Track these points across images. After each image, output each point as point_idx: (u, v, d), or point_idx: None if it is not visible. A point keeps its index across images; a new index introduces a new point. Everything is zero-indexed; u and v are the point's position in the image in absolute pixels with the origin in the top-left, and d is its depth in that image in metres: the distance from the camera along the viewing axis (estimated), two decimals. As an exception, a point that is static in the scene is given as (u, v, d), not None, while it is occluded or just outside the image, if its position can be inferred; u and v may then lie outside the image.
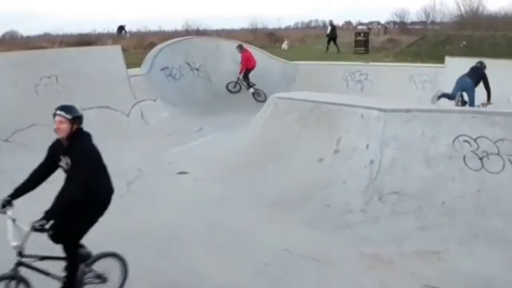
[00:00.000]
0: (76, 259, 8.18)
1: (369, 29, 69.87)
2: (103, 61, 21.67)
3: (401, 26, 73.78)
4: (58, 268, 8.13)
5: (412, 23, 78.39)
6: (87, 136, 8.42)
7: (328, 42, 47.70)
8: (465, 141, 11.86)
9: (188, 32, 58.66)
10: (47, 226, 7.48)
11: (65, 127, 8.00)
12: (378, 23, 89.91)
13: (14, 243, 7.48)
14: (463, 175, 11.60)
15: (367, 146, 12.64)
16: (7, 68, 19.44)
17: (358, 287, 9.05)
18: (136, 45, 50.74)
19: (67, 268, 8.06)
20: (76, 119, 8.19)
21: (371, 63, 29.57)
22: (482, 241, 10.34)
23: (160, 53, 25.45)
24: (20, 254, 7.66)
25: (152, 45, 37.87)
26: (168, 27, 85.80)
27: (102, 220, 11.90)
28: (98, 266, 8.56)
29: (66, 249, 8.12)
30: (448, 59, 25.30)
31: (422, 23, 75.79)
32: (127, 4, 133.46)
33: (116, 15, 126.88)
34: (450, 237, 10.46)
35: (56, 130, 8.03)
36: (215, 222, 11.85)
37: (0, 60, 20.28)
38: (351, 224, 11.23)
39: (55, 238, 7.96)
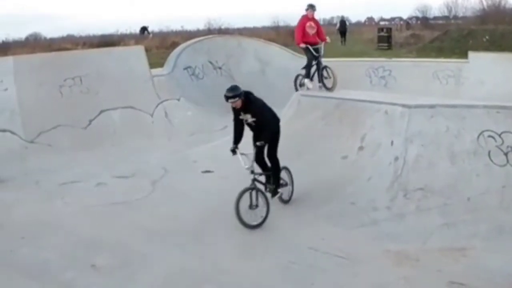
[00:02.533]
0: (279, 166, 12.44)
1: (392, 25, 69.51)
2: (126, 61, 21.79)
3: (424, 21, 73.11)
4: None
5: (435, 18, 77.65)
6: (251, 95, 12.14)
7: (341, 36, 48.43)
8: (490, 136, 11.76)
9: (210, 31, 58.71)
10: (263, 143, 11.77)
11: (239, 103, 11.80)
12: (401, 18, 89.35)
13: (247, 166, 11.75)
14: (488, 171, 11.51)
15: (392, 143, 12.60)
16: (31, 70, 19.65)
17: (383, 284, 9.03)
18: (158, 45, 50.92)
19: (274, 173, 12.35)
20: (241, 95, 11.77)
21: (394, 59, 29.38)
22: (507, 237, 10.29)
23: (183, 53, 25.51)
24: (252, 172, 11.82)
25: (174, 44, 37.96)
26: (190, 26, 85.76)
27: (127, 219, 12.09)
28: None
29: (273, 161, 12.32)
30: (471, 54, 25.10)
31: (445, 18, 75.13)
32: (149, 5, 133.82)
33: (138, 16, 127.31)
34: (475, 234, 10.43)
35: (234, 106, 11.96)
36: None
37: (25, 62, 20.46)
38: (376, 221, 11.22)
39: (266, 154, 12.25)
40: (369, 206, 11.71)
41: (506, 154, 11.54)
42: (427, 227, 10.77)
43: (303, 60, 18.88)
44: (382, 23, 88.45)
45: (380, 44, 47.11)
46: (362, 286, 8.99)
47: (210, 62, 25.93)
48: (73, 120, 19.16)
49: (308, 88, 17.02)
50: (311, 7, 17.02)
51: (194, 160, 16.55)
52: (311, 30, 16.85)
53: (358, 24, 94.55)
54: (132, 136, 19.31)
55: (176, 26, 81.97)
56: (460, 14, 72.09)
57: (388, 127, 12.94)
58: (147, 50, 25.36)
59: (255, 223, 11.44)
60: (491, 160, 11.57)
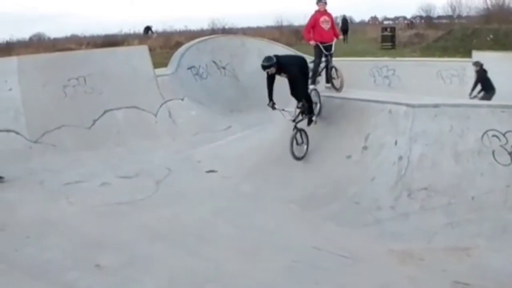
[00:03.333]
0: (311, 98, 14.74)
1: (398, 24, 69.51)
2: (130, 61, 21.81)
3: (427, 21, 73.00)
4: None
5: (439, 17, 77.49)
6: (281, 58, 13.97)
7: (343, 34, 48.57)
8: (494, 135, 11.75)
9: (214, 31, 58.73)
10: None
11: (274, 70, 13.64)
12: (404, 18, 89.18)
13: (290, 118, 14.33)
14: (492, 170, 11.49)
15: (396, 142, 12.59)
16: (35, 70, 19.69)
17: (388, 284, 9.02)
18: (162, 44, 50.88)
19: (309, 106, 14.60)
20: (275, 64, 13.58)
21: (398, 58, 29.39)
22: (511, 236, 10.28)
23: (187, 52, 25.51)
24: (294, 121, 14.31)
25: (178, 44, 37.94)
26: (194, 26, 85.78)
27: (131, 219, 12.11)
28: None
29: (306, 96, 14.46)
30: (475, 53, 25.01)
31: (448, 17, 74.91)
32: (153, 4, 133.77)
33: (142, 16, 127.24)
34: (480, 233, 10.42)
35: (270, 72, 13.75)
36: (243, 220, 11.92)
37: (29, 62, 20.49)
38: (380, 220, 11.22)
39: (300, 92, 14.31)
40: (373, 206, 11.71)
41: (510, 153, 11.52)
42: (431, 227, 10.77)
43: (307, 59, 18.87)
44: (386, 22, 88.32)
45: (384, 44, 47.07)
46: (366, 285, 8.99)
47: (214, 62, 25.93)
48: (77, 120, 19.19)
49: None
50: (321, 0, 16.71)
51: (198, 160, 16.56)
52: (325, 25, 16.16)
53: (362, 23, 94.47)
54: (136, 136, 19.34)
55: (179, 26, 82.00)
56: (464, 14, 71.94)
57: (392, 126, 12.92)
58: (151, 49, 25.37)
59: (301, 155, 14.30)
60: (495, 160, 11.56)
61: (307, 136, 14.49)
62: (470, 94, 21.33)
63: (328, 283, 9.10)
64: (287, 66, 13.88)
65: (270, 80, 13.93)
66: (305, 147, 14.45)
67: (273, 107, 14.13)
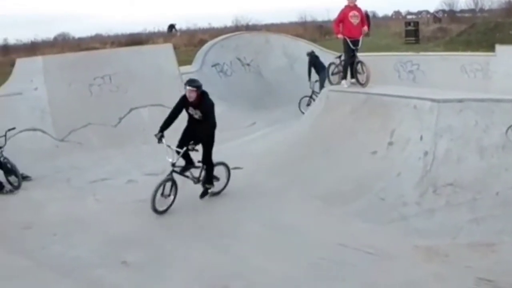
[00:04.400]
0: (212, 163, 13.30)
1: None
2: (155, 59, 21.93)
3: (450, 15, 72.60)
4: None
5: (461, 11, 77.09)
6: (207, 94, 12.86)
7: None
8: (519, 130, 11.71)
9: (237, 28, 58.86)
10: (196, 148, 12.77)
11: (194, 95, 12.54)
12: (427, 12, 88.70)
13: (171, 160, 12.68)
14: (517, 165, 11.44)
15: (421, 138, 12.53)
16: (61, 69, 19.87)
17: (414, 280, 9.00)
18: (186, 42, 51.09)
19: (207, 172, 13.18)
20: (200, 87, 12.58)
21: (422, 53, 29.20)
22: (537, 232, 10.23)
23: (211, 50, 25.59)
24: (173, 165, 12.74)
25: (202, 42, 38.05)
26: (217, 23, 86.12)
27: (157, 216, 12.19)
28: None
29: (208, 160, 13.15)
30: (498, 47, 24.79)
31: (471, 11, 74.58)
32: (176, 2, 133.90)
33: (165, 14, 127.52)
34: (505, 229, 10.34)
35: (189, 96, 12.60)
36: (269, 216, 11.95)
37: (54, 61, 20.69)
38: (406, 217, 11.19)
39: (203, 153, 13.04)
40: (398, 202, 11.66)
41: (535, 148, 11.46)
42: (456, 223, 10.72)
43: (331, 55, 18.82)
44: (409, 17, 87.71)
45: (408, 38, 46.86)
46: (392, 282, 8.97)
47: (238, 59, 25.96)
48: (103, 118, 19.34)
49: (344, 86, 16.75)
50: None
51: (223, 157, 16.61)
52: (355, 20, 16.22)
53: (385, 18, 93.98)
54: (162, 133, 19.43)
55: (203, 24, 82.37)
56: (486, 7, 71.54)
57: (417, 121, 12.86)
58: (175, 47, 25.47)
59: (164, 208, 12.56)
60: (520, 154, 11.51)
61: (176, 189, 12.76)
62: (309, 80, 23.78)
63: (354, 280, 9.10)
64: (207, 106, 12.92)
65: (177, 110, 13.15)
66: (171, 199, 12.68)
67: (160, 140, 12.90)
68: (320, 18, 72.76)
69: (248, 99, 23.86)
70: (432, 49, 38.03)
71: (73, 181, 15.36)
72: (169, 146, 12.79)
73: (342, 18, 16.23)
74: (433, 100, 12.86)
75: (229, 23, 72.46)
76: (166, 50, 23.12)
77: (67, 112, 18.83)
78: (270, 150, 16.19)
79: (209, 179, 13.27)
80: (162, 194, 12.47)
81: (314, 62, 23.86)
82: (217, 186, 13.59)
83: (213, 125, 13.06)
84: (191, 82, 12.70)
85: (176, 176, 12.80)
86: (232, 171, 14.11)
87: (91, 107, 19.42)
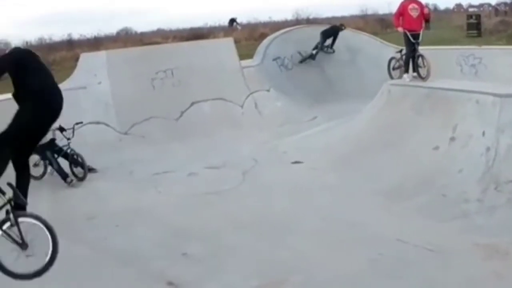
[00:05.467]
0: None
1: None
2: (216, 54, 22.08)
3: (512, 7, 70.97)
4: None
5: (524, 4, 75.31)
6: None
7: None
8: None
9: (298, 21, 58.58)
10: None
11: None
12: (489, 5, 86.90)
13: None
14: None
15: (483, 133, 12.26)
16: (124, 64, 20.19)
17: (473, 278, 8.83)
18: (247, 36, 51.16)
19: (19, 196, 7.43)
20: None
21: (484, 47, 28.60)
22: None
23: (272, 44, 25.61)
24: None
25: (263, 36, 38.02)
26: (278, 17, 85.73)
27: (218, 209, 12.24)
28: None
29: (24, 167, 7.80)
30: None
31: (535, 3, 72.83)
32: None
33: (226, 8, 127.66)
34: None
35: None
36: (329, 211, 11.90)
37: (118, 56, 21.05)
38: (467, 213, 10.97)
39: None
40: (460, 198, 11.45)
41: None
42: (518, 220, 10.49)
43: (392, 49, 18.61)
44: (470, 9, 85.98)
45: (470, 31, 46.01)
46: (451, 279, 8.83)
47: (299, 53, 25.89)
48: (165, 112, 19.56)
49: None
50: None
51: (284, 151, 16.63)
52: (414, 13, 16.15)
53: (446, 11, 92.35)
54: (223, 127, 19.56)
55: (264, 17, 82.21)
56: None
57: (480, 117, 12.61)
58: (236, 41, 25.59)
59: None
60: None
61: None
62: None
63: (414, 277, 8.98)
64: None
65: None
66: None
67: None
68: (381, 11, 71.81)
69: (309, 93, 23.78)
70: (494, 42, 37.22)
71: (136, 174, 15.57)
72: None
73: (402, 11, 16.11)
74: (495, 95, 12.58)
75: (289, 16, 71.99)
76: (227, 44, 23.27)
77: (130, 106, 19.10)
78: (331, 145, 16.12)
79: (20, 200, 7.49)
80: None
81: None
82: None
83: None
84: None
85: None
86: (293, 165, 14.10)
87: (154, 101, 19.65)
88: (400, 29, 16.13)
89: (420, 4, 16.29)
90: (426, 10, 16.51)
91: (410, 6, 16.04)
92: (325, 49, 26.08)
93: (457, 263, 9.30)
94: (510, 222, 10.37)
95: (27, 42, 55.83)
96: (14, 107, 7.21)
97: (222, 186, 14.02)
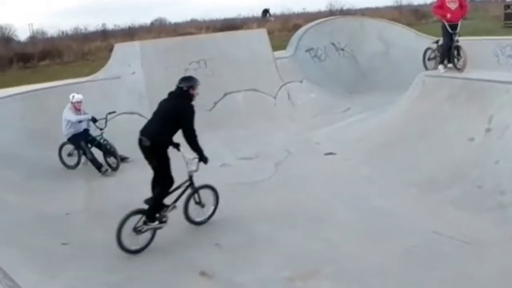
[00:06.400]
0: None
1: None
2: (249, 44, 22.10)
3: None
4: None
5: None
6: None
7: None
8: None
9: (332, 13, 58.42)
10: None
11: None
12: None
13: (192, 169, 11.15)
14: None
15: (520, 124, 12.14)
16: (158, 54, 20.31)
17: (508, 270, 8.74)
18: (280, 27, 51.15)
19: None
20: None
21: (522, 37, 28.24)
22: None
23: (305, 35, 25.52)
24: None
25: (296, 27, 38.00)
26: (311, 8, 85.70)
27: (251, 200, 12.28)
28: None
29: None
30: None
31: None
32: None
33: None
34: None
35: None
36: (363, 203, 11.86)
37: (151, 46, 21.16)
38: (503, 205, 10.82)
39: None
40: (495, 190, 11.29)
41: None
42: (555, 212, 10.35)
43: (427, 40, 18.46)
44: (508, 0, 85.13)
45: (507, 22, 45.42)
46: (486, 271, 8.75)
47: (333, 44, 25.78)
48: (199, 102, 19.48)
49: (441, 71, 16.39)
50: None
51: (317, 142, 16.60)
52: (452, 5, 15.91)
53: (483, 1, 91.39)
54: (256, 118, 19.56)
55: (297, 8, 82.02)
56: None
57: (516, 108, 12.47)
58: (269, 32, 25.55)
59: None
60: None
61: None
62: None
63: (447, 269, 8.92)
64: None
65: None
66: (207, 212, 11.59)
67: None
68: (416, 1, 71.50)
69: (342, 84, 23.69)
70: (532, 33, 36.72)
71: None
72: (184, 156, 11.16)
73: (441, 4, 15.95)
74: (532, 86, 12.44)
75: (323, 7, 72.02)
76: (260, 35, 23.24)
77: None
78: (365, 136, 16.06)
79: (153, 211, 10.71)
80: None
81: None
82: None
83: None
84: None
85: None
86: (326, 157, 14.06)
87: (187, 91, 19.73)
88: (442, 17, 15.96)
89: None
90: (465, 3, 16.33)
91: None
92: None
93: (492, 255, 9.22)
94: (546, 214, 10.27)
95: (62, 32, 56.52)
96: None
97: (255, 177, 14.05)
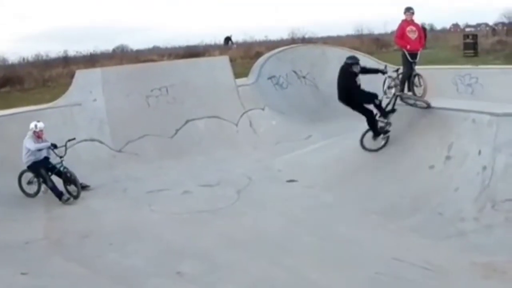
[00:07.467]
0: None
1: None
2: (211, 72, 22.12)
3: (510, 28, 71.28)
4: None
5: (522, 23, 75.70)
6: None
7: None
8: None
9: (294, 41, 58.64)
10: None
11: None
12: (486, 25, 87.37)
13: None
14: None
15: (479, 152, 12.28)
16: (119, 81, 20.22)
17: (471, 297, 8.84)
18: (243, 55, 51.24)
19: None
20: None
21: (480, 66, 28.66)
22: None
23: (267, 62, 25.60)
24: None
25: (258, 54, 38.07)
26: (274, 36, 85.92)
27: (212, 227, 12.23)
28: None
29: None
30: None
31: (532, 23, 73.24)
32: (234, 15, 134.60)
33: (222, 26, 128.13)
34: None
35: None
36: (324, 230, 11.86)
37: (113, 73, 21.05)
38: (464, 232, 10.95)
39: None
40: (456, 217, 11.42)
41: None
42: (515, 239, 10.47)
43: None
44: (467, 29, 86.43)
45: (466, 51, 46.13)
46: (449, 298, 8.83)
47: (294, 72, 25.88)
48: (160, 130, 19.57)
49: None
50: (408, 9, 16.42)
51: (279, 169, 16.61)
52: (412, 35, 16.25)
53: (443, 30, 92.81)
54: (217, 145, 19.55)
55: (259, 36, 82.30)
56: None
57: (476, 136, 12.63)
58: (231, 60, 25.63)
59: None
60: None
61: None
62: None
63: (410, 296, 8.97)
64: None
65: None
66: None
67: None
68: (376, 31, 72.13)
69: (304, 111, 23.78)
70: (491, 62, 37.33)
71: (130, 191, 15.53)
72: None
73: (401, 33, 16.22)
74: (492, 114, 12.62)
75: (285, 35, 72.11)
76: (222, 63, 23.29)
77: (125, 123, 19.10)
78: (327, 163, 16.10)
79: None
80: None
81: None
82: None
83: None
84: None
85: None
86: (287, 184, 14.08)
87: (148, 118, 19.66)
88: (407, 46, 16.23)
89: (417, 26, 16.46)
90: (423, 34, 16.69)
91: (408, 28, 16.23)
92: None
93: (455, 282, 9.29)
94: (508, 241, 10.37)
95: (24, 58, 55.90)
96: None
97: (216, 204, 13.98)
